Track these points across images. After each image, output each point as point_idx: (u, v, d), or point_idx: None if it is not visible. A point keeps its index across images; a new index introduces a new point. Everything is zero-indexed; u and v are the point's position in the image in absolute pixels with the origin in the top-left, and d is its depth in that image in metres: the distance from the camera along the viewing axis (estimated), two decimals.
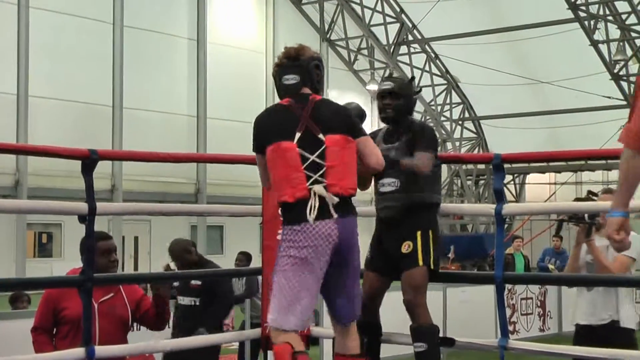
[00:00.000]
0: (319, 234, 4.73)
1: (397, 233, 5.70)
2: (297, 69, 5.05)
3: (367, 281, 5.80)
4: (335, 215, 4.76)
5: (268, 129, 4.96)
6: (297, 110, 4.94)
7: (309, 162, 4.81)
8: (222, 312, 8.54)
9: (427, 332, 5.59)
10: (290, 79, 5.05)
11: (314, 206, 4.73)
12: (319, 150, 4.84)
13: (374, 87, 41.38)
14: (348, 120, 5.05)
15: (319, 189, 4.76)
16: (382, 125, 5.98)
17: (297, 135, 4.85)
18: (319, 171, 4.81)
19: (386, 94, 5.82)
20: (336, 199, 4.78)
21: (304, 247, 4.71)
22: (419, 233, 5.65)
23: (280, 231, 4.96)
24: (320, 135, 4.87)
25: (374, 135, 5.75)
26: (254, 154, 5.12)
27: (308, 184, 4.77)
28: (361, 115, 5.64)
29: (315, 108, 4.96)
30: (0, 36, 29.00)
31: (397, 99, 5.79)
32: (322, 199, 4.76)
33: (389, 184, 5.69)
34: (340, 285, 4.95)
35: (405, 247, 5.64)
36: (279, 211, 5.01)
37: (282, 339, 4.69)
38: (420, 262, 5.62)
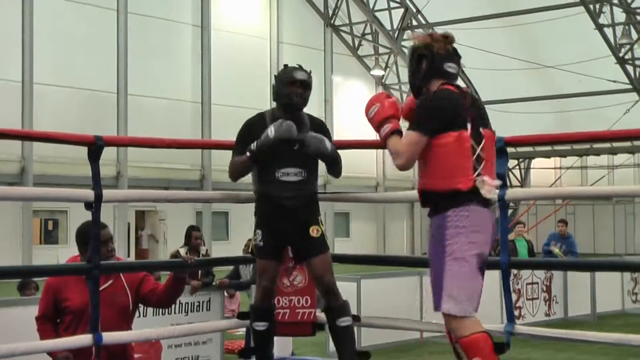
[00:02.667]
0: (485, 221, 4.88)
1: (299, 219, 5.94)
2: (457, 60, 5.14)
3: (269, 268, 5.95)
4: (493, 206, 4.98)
5: (455, 112, 4.89)
6: (464, 100, 4.96)
7: (476, 154, 4.89)
8: None
9: (349, 308, 5.96)
10: (454, 68, 5.08)
11: (479, 195, 4.83)
12: (482, 144, 4.92)
13: (378, 72, 41.34)
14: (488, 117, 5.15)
15: (486, 178, 4.87)
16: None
17: (469, 126, 4.90)
18: (480, 164, 4.89)
19: (300, 83, 6.01)
20: (495, 193, 4.94)
21: (476, 231, 4.82)
22: (319, 219, 6.03)
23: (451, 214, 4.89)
24: (481, 129, 4.96)
25: (254, 122, 6.06)
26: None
27: (475, 174, 4.85)
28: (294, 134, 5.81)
29: (472, 101, 5.03)
30: (5, 24, 29.00)
31: (307, 90, 6.04)
32: (491, 185, 4.89)
33: (295, 173, 5.91)
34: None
35: (314, 232, 5.94)
36: (443, 197, 4.90)
37: (476, 328, 4.76)
38: (328, 246, 6.03)
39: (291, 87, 5.97)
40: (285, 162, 5.80)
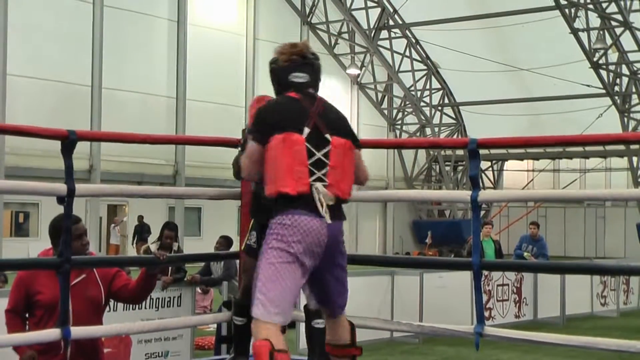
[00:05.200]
0: (310, 231, 4.67)
1: None
2: (308, 68, 5.04)
3: (250, 266, 5.91)
4: (327, 216, 4.70)
5: (278, 118, 4.85)
6: (308, 106, 4.89)
7: (314, 158, 4.76)
8: None
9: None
10: (301, 77, 4.99)
11: (311, 202, 4.69)
12: (325, 149, 4.80)
13: (354, 71, 41.38)
14: (350, 129, 5.07)
15: (320, 186, 4.72)
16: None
17: (306, 130, 4.79)
18: (322, 169, 4.76)
19: None
20: (332, 201, 4.76)
21: (294, 242, 4.65)
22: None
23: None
24: (327, 135, 4.84)
25: None
26: (231, 137, 5.07)
27: (311, 179, 4.72)
28: None
29: (324, 108, 4.95)
30: None
31: None
32: (324, 196, 4.72)
33: None
34: (330, 282, 4.93)
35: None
36: (271, 202, 4.84)
37: (263, 335, 4.59)
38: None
39: None
40: None
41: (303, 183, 4.70)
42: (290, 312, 4.78)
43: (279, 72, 5.06)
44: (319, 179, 4.75)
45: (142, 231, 29.71)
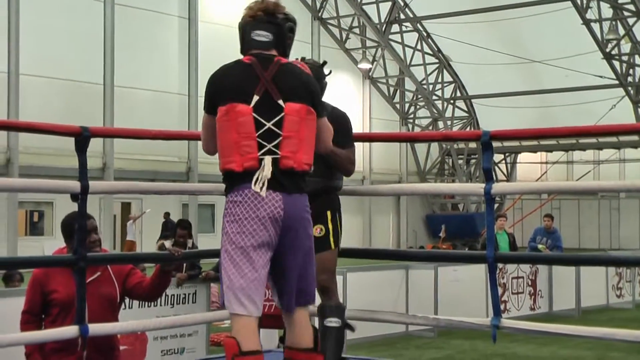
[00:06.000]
0: (261, 207, 4.34)
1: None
2: (273, 27, 4.60)
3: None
4: (280, 190, 4.38)
5: (223, 87, 4.49)
6: (259, 71, 4.48)
7: (264, 129, 4.38)
8: None
9: (342, 310, 5.74)
10: (263, 35, 4.58)
11: (260, 177, 4.35)
12: (277, 118, 4.41)
13: (365, 65, 41.33)
14: (314, 93, 4.65)
15: (268, 161, 4.36)
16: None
17: (255, 98, 4.41)
18: (273, 140, 4.39)
19: None
20: (283, 175, 4.42)
21: (246, 219, 4.33)
22: (329, 214, 5.77)
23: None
24: (280, 102, 4.44)
25: None
26: None
27: (260, 153, 4.36)
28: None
29: (279, 71, 4.52)
30: None
31: (318, 80, 5.66)
32: (271, 171, 4.36)
33: None
34: (290, 267, 4.50)
35: (317, 231, 5.70)
36: (223, 179, 4.55)
37: (234, 330, 4.34)
38: (332, 246, 5.78)
39: None
40: None
41: (250, 157, 4.36)
42: (260, 298, 4.40)
43: (242, 27, 4.67)
44: (270, 151, 4.38)
45: (166, 228, 29.34)
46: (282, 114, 4.44)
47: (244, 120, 4.39)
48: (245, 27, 4.66)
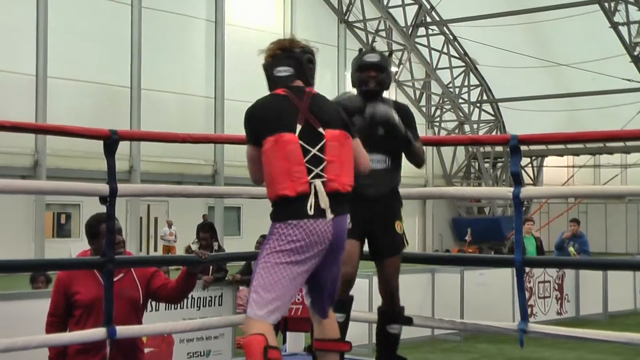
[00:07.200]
0: (315, 232, 4.58)
1: (383, 211, 5.67)
2: (292, 61, 4.89)
3: (352, 251, 5.55)
4: (331, 215, 4.61)
5: (267, 119, 4.75)
6: (296, 102, 4.76)
7: (310, 155, 4.62)
8: None
9: (403, 316, 5.76)
10: (284, 70, 4.88)
11: (313, 203, 4.57)
12: (320, 144, 4.66)
13: (392, 69, 41.30)
14: (344, 118, 4.91)
15: (319, 184, 4.60)
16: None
17: (299, 127, 4.66)
18: (319, 165, 4.63)
19: (371, 66, 5.75)
20: (330, 198, 4.63)
21: (299, 241, 4.55)
22: (401, 213, 5.80)
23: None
24: (320, 129, 4.70)
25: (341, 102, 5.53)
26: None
27: (309, 177, 4.59)
28: (357, 102, 5.56)
29: (313, 102, 4.80)
30: (19, 17, 29.08)
31: (381, 72, 5.76)
32: (320, 195, 4.59)
33: (378, 160, 5.61)
34: (327, 279, 4.82)
35: (399, 227, 5.74)
36: (273, 206, 4.72)
37: (255, 330, 4.53)
38: (406, 244, 5.81)
39: (363, 73, 5.76)
40: (369, 147, 5.21)
41: (301, 182, 4.59)
42: (285, 313, 4.73)
43: (266, 69, 4.99)
44: (318, 175, 4.62)
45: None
46: (324, 140, 4.69)
47: (293, 148, 4.62)
48: (268, 68, 4.97)
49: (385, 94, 5.87)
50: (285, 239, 4.57)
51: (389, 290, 5.70)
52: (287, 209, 4.61)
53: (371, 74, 5.74)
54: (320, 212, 4.58)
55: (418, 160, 5.82)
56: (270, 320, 4.55)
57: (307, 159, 4.61)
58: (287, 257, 4.56)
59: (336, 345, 5.00)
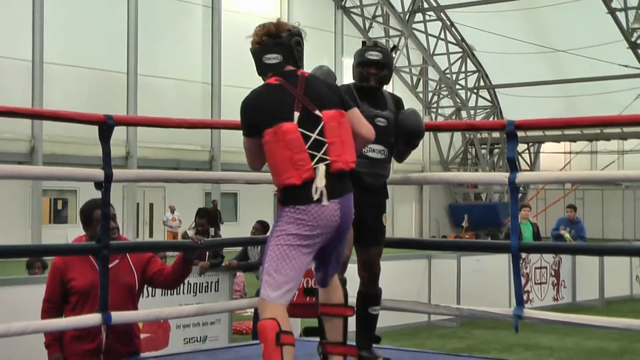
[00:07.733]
0: (323, 216, 4.66)
1: (375, 202, 5.73)
2: (280, 47, 4.89)
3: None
4: (337, 197, 4.68)
5: (263, 111, 4.76)
6: (291, 89, 4.78)
7: (311, 140, 4.67)
8: None
9: (381, 297, 5.81)
10: (273, 57, 4.89)
11: (319, 187, 4.63)
12: (319, 128, 4.71)
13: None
14: (338, 94, 4.94)
15: (322, 169, 4.65)
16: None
17: (296, 114, 4.70)
18: (321, 149, 4.68)
19: (372, 64, 5.77)
20: (334, 179, 4.70)
21: (308, 224, 4.64)
22: (386, 206, 5.84)
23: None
24: (317, 112, 4.74)
25: (347, 90, 5.64)
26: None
27: (313, 163, 4.65)
28: (334, 79, 5.55)
29: (307, 85, 4.82)
30: (16, 2, 29.00)
31: (382, 70, 5.78)
32: (319, 179, 4.64)
33: (379, 151, 5.67)
34: (333, 255, 4.94)
35: (385, 219, 5.78)
36: (280, 194, 4.76)
37: (269, 314, 4.61)
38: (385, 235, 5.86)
39: (364, 69, 5.77)
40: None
41: (306, 169, 4.65)
42: (295, 293, 4.82)
43: (253, 53, 5.00)
44: (321, 159, 4.67)
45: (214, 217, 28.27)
46: (322, 123, 4.73)
47: (293, 137, 4.66)
48: (256, 53, 4.98)
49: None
50: (295, 222, 4.65)
51: (373, 273, 5.78)
52: (295, 195, 4.67)
53: (372, 72, 5.76)
54: (326, 196, 4.65)
55: (403, 156, 5.93)
56: (283, 302, 4.63)
57: (308, 144, 4.66)
58: (297, 240, 4.64)
59: (340, 310, 5.14)
